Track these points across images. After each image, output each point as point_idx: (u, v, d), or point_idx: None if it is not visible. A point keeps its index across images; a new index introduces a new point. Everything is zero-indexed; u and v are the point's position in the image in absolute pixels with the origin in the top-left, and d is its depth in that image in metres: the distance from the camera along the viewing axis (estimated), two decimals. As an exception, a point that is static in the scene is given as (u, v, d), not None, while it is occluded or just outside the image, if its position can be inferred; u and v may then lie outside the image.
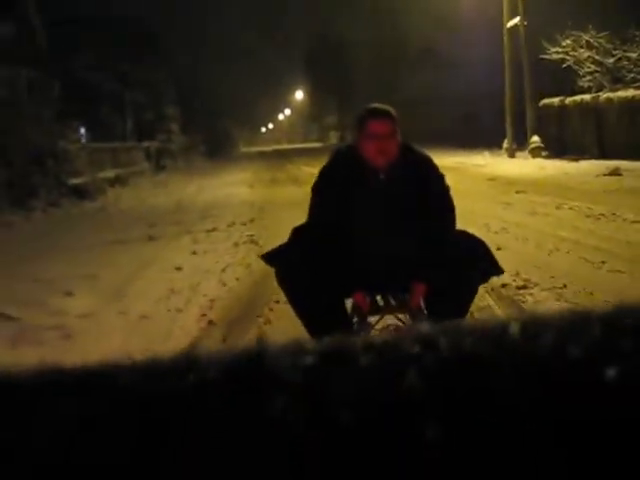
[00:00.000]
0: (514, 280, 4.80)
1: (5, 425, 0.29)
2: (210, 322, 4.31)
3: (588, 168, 14.45)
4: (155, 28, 35.79)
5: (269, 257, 2.95)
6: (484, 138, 24.03)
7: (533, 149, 19.15)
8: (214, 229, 8.74)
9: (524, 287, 4.62)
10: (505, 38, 20.35)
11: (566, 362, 0.28)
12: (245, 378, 0.29)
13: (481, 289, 4.57)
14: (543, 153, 18.91)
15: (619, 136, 16.61)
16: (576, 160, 16.76)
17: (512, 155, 20.02)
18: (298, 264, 2.79)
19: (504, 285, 4.66)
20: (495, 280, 4.71)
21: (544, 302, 4.27)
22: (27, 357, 3.94)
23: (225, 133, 53.27)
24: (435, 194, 2.97)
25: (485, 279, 3.04)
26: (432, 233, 2.87)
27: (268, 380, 0.29)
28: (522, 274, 4.96)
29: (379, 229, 2.89)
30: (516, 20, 19.51)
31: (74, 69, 23.67)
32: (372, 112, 2.90)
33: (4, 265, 7.22)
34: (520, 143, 20.22)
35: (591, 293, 4.38)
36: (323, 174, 3.03)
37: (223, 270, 5.98)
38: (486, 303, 4.30)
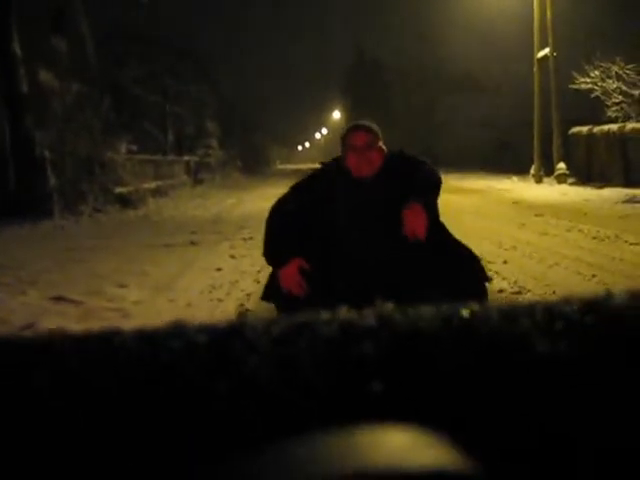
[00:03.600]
0: (511, 287, 5.51)
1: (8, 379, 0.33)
2: (247, 310, 5.08)
3: (609, 195, 15.01)
4: (199, 44, 36.91)
5: (266, 296, 3.02)
6: (515, 163, 24.65)
7: (559, 175, 19.74)
8: (250, 238, 9.53)
9: (518, 292, 5.32)
10: (535, 68, 21.05)
11: (504, 337, 0.33)
12: (225, 343, 0.34)
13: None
14: (569, 180, 19.48)
15: (643, 166, 17.16)
16: (600, 188, 17.30)
17: (539, 181, 20.62)
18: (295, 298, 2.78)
19: (501, 290, 5.36)
20: (494, 286, 5.44)
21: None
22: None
23: (262, 149, 54.44)
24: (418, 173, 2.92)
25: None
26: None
27: (244, 345, 0.33)
28: (519, 283, 5.66)
29: (364, 239, 2.91)
30: (546, 51, 20.19)
31: (121, 83, 24.79)
32: (352, 127, 3.04)
33: (62, 262, 8.08)
34: (548, 169, 20.80)
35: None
36: (297, 186, 3.09)
37: (258, 271, 6.73)
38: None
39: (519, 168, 23.36)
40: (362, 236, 2.91)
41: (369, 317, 0.35)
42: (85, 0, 20.40)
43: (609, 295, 0.37)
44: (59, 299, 5.77)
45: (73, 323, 4.90)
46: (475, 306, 0.36)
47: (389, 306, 0.36)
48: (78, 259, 8.24)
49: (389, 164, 2.96)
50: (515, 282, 5.67)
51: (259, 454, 0.26)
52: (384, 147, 2.97)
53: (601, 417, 0.31)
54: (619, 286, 5.48)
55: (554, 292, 5.27)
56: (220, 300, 5.50)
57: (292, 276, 2.78)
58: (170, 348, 0.34)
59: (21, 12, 14.23)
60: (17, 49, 13.76)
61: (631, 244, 7.59)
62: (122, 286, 6.28)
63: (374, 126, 3.01)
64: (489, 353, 0.33)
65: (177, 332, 0.35)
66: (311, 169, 3.18)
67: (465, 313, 0.35)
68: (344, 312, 0.36)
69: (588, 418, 0.31)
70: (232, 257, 7.87)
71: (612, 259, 6.67)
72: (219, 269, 7.06)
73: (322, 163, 3.23)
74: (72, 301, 5.72)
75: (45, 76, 16.37)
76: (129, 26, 26.42)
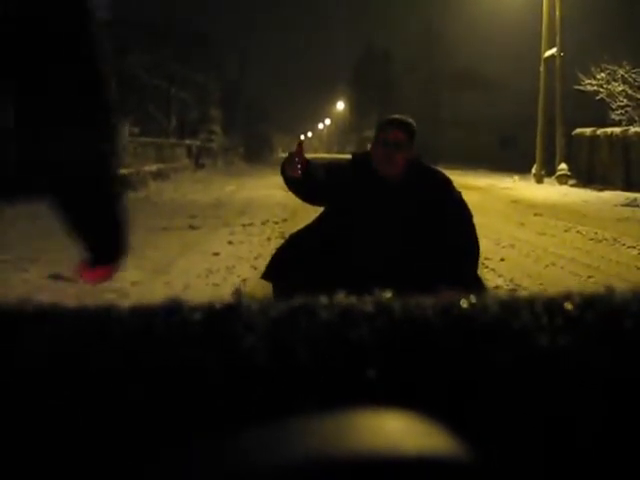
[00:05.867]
0: (507, 284, 5.54)
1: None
2: (241, 289, 5.11)
3: (609, 198, 15.03)
4: (203, 29, 36.85)
5: (266, 275, 3.06)
6: (519, 162, 24.68)
7: (560, 176, 19.76)
8: (250, 224, 9.56)
9: (513, 290, 5.35)
10: (542, 67, 21.04)
11: (503, 328, 0.34)
12: (221, 321, 0.34)
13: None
14: (570, 181, 19.49)
15: (645, 170, 17.18)
16: (601, 190, 17.32)
17: (540, 181, 20.64)
18: (293, 280, 2.83)
19: (496, 287, 5.39)
20: (490, 283, 5.47)
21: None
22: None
23: (264, 138, 54.45)
24: (453, 222, 2.90)
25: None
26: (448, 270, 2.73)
27: (241, 325, 0.33)
28: (515, 281, 5.69)
29: (374, 237, 2.87)
30: (553, 51, 20.18)
31: (125, 67, 24.75)
32: (389, 120, 2.92)
33: (62, 240, 8.09)
34: (550, 170, 20.82)
35: (569, 299, 5.11)
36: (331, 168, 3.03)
37: (255, 258, 6.77)
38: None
39: (522, 167, 23.38)
40: (373, 234, 2.87)
41: (368, 304, 0.35)
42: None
43: (610, 291, 0.37)
44: (57, 277, 5.80)
45: (71, 299, 4.92)
46: (474, 297, 0.36)
47: (388, 294, 0.37)
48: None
49: (412, 170, 2.88)
50: (511, 280, 5.71)
51: (252, 432, 0.27)
52: (413, 151, 2.88)
53: (599, 408, 0.31)
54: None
55: (546, 290, 5.30)
56: (216, 285, 5.53)
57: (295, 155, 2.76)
58: (166, 324, 0.34)
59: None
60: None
61: (628, 247, 7.62)
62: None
63: (412, 124, 2.89)
64: (486, 343, 0.33)
65: (174, 309, 0.35)
66: (313, 158, 3.07)
67: (464, 303, 0.36)
68: (342, 297, 0.36)
69: (585, 408, 0.31)
70: (230, 243, 7.90)
71: (609, 261, 6.70)
72: (216, 254, 7.08)
73: (353, 153, 3.16)
74: (67, 279, 5.74)
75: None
76: (137, 11, 26.39)
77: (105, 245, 1.83)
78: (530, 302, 0.36)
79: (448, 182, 2.94)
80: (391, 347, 0.33)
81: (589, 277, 5.90)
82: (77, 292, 5.30)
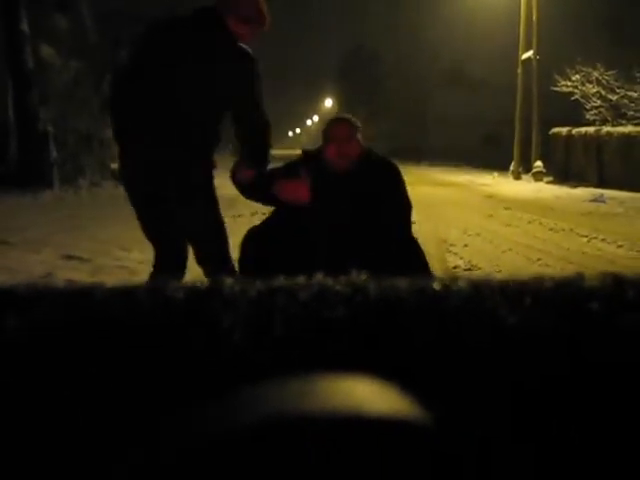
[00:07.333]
0: (465, 265, 6.36)
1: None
2: (235, 272, 5.90)
3: (580, 194, 15.89)
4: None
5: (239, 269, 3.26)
6: (501, 159, 25.46)
7: (535, 173, 20.66)
8: (240, 215, 10.32)
9: (469, 269, 6.17)
10: (519, 69, 21.95)
11: (474, 309, 0.34)
12: (201, 300, 0.35)
13: (436, 267, 6.14)
14: (545, 178, 20.38)
15: (616, 168, 18.06)
16: (574, 187, 18.18)
17: (517, 177, 21.53)
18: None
19: (455, 267, 6.22)
20: (450, 263, 6.30)
21: (479, 279, 5.82)
22: (106, 282, 5.56)
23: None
24: (388, 214, 3.04)
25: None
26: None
27: (220, 303, 0.34)
28: (473, 262, 6.51)
29: (331, 231, 3.01)
30: (529, 53, 21.08)
31: (118, 62, 25.32)
32: (335, 119, 3.24)
33: (66, 228, 8.88)
34: (529, 167, 21.66)
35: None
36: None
37: (245, 243, 7.53)
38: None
39: (504, 164, 24.20)
40: (329, 227, 3.01)
41: (344, 284, 0.36)
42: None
43: (580, 276, 0.37)
44: (70, 257, 6.57)
45: (86, 276, 5.70)
46: (447, 279, 0.37)
47: (363, 275, 0.38)
48: (81, 226, 9.03)
49: (364, 162, 3.08)
50: (469, 261, 6.52)
51: (229, 396, 0.29)
52: (362, 142, 3.13)
53: (566, 385, 0.32)
54: (557, 267, 6.35)
55: (500, 271, 6.12)
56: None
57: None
58: (148, 302, 0.35)
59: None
60: (25, 27, 14.45)
61: (581, 236, 8.47)
62: (125, 250, 7.07)
63: (355, 120, 3.18)
64: (457, 323, 0.34)
65: (155, 288, 0.36)
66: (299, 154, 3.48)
67: (437, 285, 0.36)
68: (320, 278, 0.37)
69: (552, 383, 0.32)
70: (222, 231, 8.67)
71: (559, 247, 7.54)
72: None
73: (304, 151, 3.38)
74: (80, 259, 6.52)
75: (47, 52, 17.00)
76: (130, 6, 26.88)
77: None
78: (503, 284, 0.37)
79: (397, 171, 3.15)
80: (365, 325, 0.33)
81: (538, 259, 6.73)
82: (91, 269, 6.10)
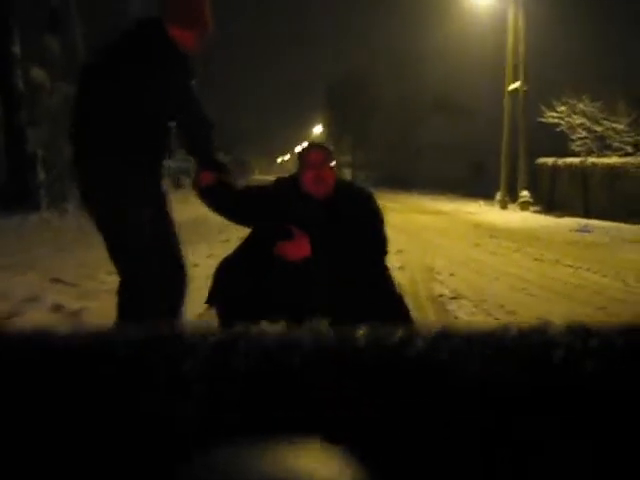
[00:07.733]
0: (450, 293, 6.39)
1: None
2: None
3: (566, 224, 16.03)
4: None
5: (210, 299, 3.28)
6: (487, 188, 25.62)
7: (522, 203, 20.84)
8: (227, 240, 10.34)
9: (455, 298, 6.20)
10: (505, 100, 22.18)
11: (427, 362, 0.34)
12: (163, 344, 0.35)
13: (422, 295, 6.18)
14: (532, 208, 20.54)
15: (601, 198, 18.26)
16: (560, 216, 18.35)
17: (504, 207, 21.68)
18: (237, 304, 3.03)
19: (441, 295, 6.24)
20: (436, 291, 6.33)
21: (464, 308, 5.83)
22: (92, 306, 5.56)
23: (242, 159, 55.38)
24: (366, 244, 3.06)
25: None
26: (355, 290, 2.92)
27: (182, 348, 0.35)
28: (458, 291, 6.53)
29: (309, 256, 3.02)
30: (517, 84, 21.32)
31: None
32: (309, 146, 3.24)
33: (52, 251, 8.86)
34: (515, 196, 21.84)
35: (502, 306, 5.93)
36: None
37: (232, 269, 7.55)
38: (422, 304, 5.87)
39: (490, 193, 24.36)
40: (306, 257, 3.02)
41: (303, 333, 0.36)
42: (79, 2, 21.09)
43: (546, 325, 0.37)
44: (56, 280, 6.55)
45: (73, 300, 5.69)
46: (408, 329, 0.37)
47: (324, 323, 0.37)
48: (67, 249, 9.03)
49: (340, 189, 3.13)
50: (454, 290, 6.55)
51: (185, 465, 0.29)
52: (335, 168, 3.21)
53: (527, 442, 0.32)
54: (542, 296, 6.39)
55: (485, 300, 6.15)
56: (199, 288, 6.30)
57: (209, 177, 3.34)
58: (109, 343, 0.36)
59: (20, 11, 14.99)
60: (17, 49, 14.51)
61: (565, 266, 8.54)
62: (112, 273, 7.03)
63: (329, 146, 3.30)
64: (413, 378, 0.33)
65: (121, 330, 0.36)
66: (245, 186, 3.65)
67: (397, 336, 0.36)
68: (281, 325, 0.37)
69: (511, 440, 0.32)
70: (209, 256, 8.67)
71: (544, 277, 7.59)
72: (196, 265, 7.84)
73: (277, 178, 3.42)
74: (67, 283, 6.51)
75: (37, 74, 17.04)
76: (122, 25, 27.00)
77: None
78: (467, 335, 0.36)
79: (370, 198, 3.18)
80: (319, 376, 0.33)
81: (523, 289, 6.77)
82: (77, 293, 6.08)
